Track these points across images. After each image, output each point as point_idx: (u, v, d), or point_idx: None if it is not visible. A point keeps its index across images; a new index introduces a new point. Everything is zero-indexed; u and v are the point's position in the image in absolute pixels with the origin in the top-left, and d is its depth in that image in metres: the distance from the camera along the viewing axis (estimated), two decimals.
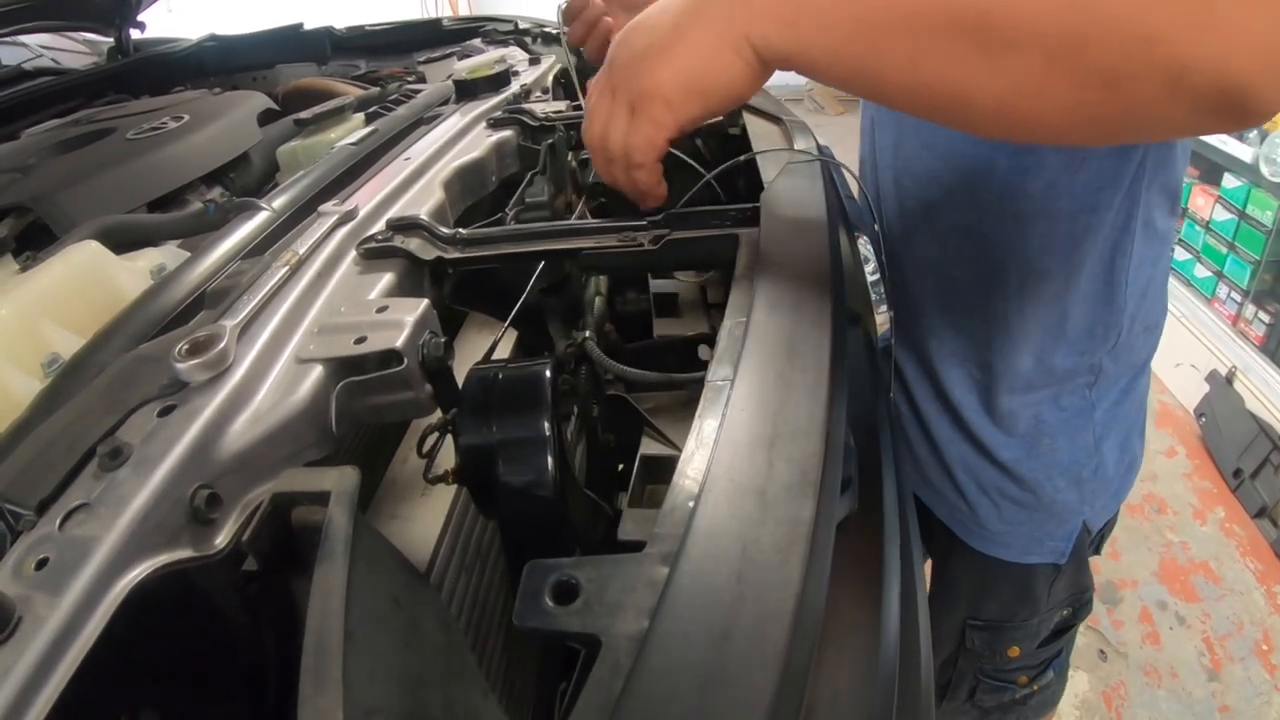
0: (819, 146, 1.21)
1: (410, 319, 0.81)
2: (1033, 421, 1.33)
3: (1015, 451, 1.35)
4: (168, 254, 1.25)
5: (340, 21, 2.83)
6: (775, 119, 1.35)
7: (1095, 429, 1.34)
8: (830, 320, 0.76)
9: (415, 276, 1.01)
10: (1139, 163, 1.12)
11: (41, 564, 0.59)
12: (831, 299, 0.80)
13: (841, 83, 0.80)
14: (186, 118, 1.75)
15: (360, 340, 0.81)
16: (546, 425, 0.78)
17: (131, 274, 1.14)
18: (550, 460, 0.77)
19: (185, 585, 0.66)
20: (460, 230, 1.05)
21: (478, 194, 1.34)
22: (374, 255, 1.00)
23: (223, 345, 0.77)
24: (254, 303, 0.85)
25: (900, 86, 0.74)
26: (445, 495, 0.98)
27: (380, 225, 1.06)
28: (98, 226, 1.24)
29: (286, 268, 0.92)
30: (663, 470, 1.00)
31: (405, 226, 1.03)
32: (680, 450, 1.00)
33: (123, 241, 1.24)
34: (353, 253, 1.01)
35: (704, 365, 1.12)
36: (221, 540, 0.68)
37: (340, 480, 0.67)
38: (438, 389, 0.83)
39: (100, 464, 0.67)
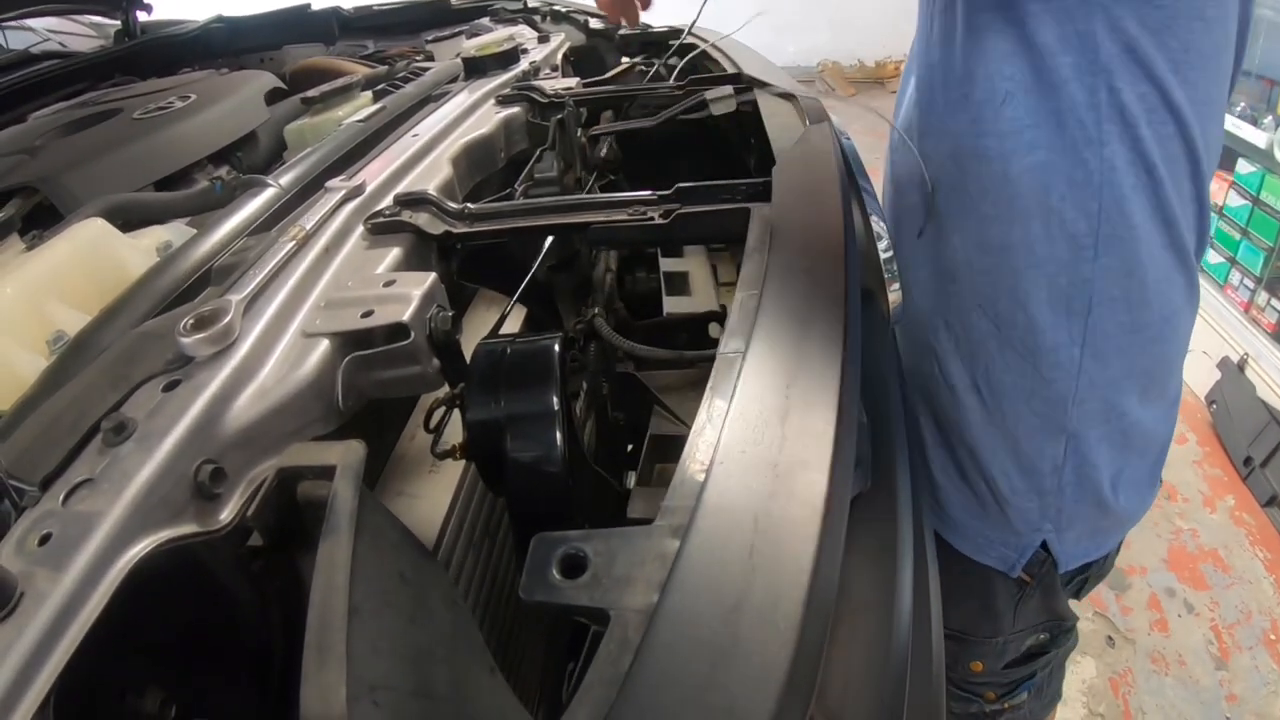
0: (831, 124, 1.19)
1: (418, 293, 0.81)
2: (999, 408, 1.29)
3: (978, 433, 1.32)
4: (174, 231, 1.24)
5: (348, 2, 2.81)
6: (788, 96, 1.34)
7: (1066, 440, 1.27)
8: (843, 295, 0.75)
9: (423, 251, 1.01)
10: (1087, 105, 1.08)
11: (44, 540, 0.59)
12: (845, 274, 0.78)
13: None
14: (193, 97, 1.74)
15: (367, 314, 0.80)
16: (555, 400, 0.77)
17: (137, 251, 1.13)
18: (559, 435, 0.76)
19: (189, 561, 0.66)
20: (468, 205, 1.04)
21: (486, 170, 1.33)
22: (381, 230, 0.99)
23: (228, 319, 0.76)
24: (260, 277, 0.85)
25: None
26: (453, 472, 0.98)
27: (388, 201, 1.05)
28: (104, 205, 1.24)
29: (293, 243, 0.92)
30: (672, 449, 0.99)
31: (413, 201, 1.02)
32: (689, 429, 1.01)
33: (129, 220, 1.23)
34: (360, 228, 1.01)
35: (715, 343, 1.12)
36: (226, 515, 0.67)
37: (346, 454, 0.67)
38: (445, 363, 0.82)
39: (104, 439, 0.67)
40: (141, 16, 2.81)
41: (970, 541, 1.40)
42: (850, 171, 1.10)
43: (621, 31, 2.14)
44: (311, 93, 1.76)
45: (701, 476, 0.55)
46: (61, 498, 0.62)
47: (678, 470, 0.57)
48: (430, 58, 2.25)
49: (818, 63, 8.34)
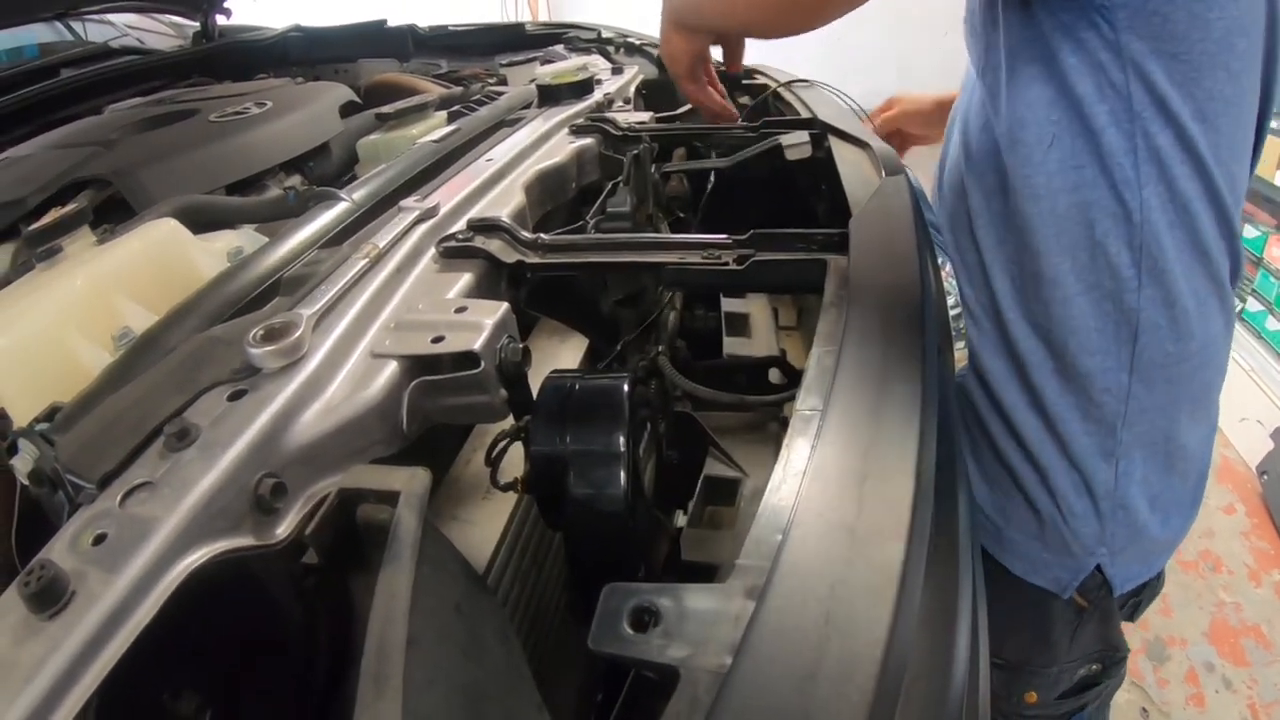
0: (908, 176, 1.19)
1: (490, 322, 0.81)
2: (1056, 429, 1.31)
3: (1039, 451, 1.34)
4: (245, 237, 1.25)
5: (421, 21, 2.84)
6: (862, 144, 1.33)
7: (1116, 463, 1.30)
8: (921, 359, 0.74)
9: (494, 279, 1.01)
10: (1125, 149, 1.14)
11: (99, 539, 0.59)
12: (923, 335, 0.77)
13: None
14: (270, 104, 1.76)
15: (437, 339, 0.80)
16: (622, 440, 0.77)
17: (208, 254, 1.14)
18: (623, 476, 0.76)
19: (242, 573, 0.65)
20: (541, 235, 1.05)
21: (557, 200, 1.34)
22: (454, 254, 1.00)
23: (298, 334, 0.76)
24: (331, 293, 0.85)
25: None
26: (507, 500, 0.97)
27: (461, 224, 1.06)
28: (177, 205, 1.24)
29: (366, 260, 0.92)
30: (725, 492, 0.99)
31: (487, 228, 1.03)
32: (744, 474, 1.00)
33: (200, 221, 1.24)
34: (432, 250, 1.01)
35: (774, 389, 1.11)
36: (283, 531, 0.67)
37: (410, 482, 0.66)
38: (512, 395, 0.82)
39: (166, 443, 0.67)
40: (220, 20, 2.84)
41: (1024, 562, 1.41)
42: (925, 226, 1.09)
43: None
44: (386, 109, 1.77)
45: (778, 537, 0.54)
46: (119, 498, 0.62)
47: (753, 528, 0.56)
48: (503, 81, 2.26)
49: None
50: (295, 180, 1.69)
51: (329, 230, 1.10)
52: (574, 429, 0.78)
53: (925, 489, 0.60)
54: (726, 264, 0.96)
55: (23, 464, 0.73)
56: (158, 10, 2.97)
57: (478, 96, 1.84)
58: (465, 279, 0.95)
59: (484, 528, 0.94)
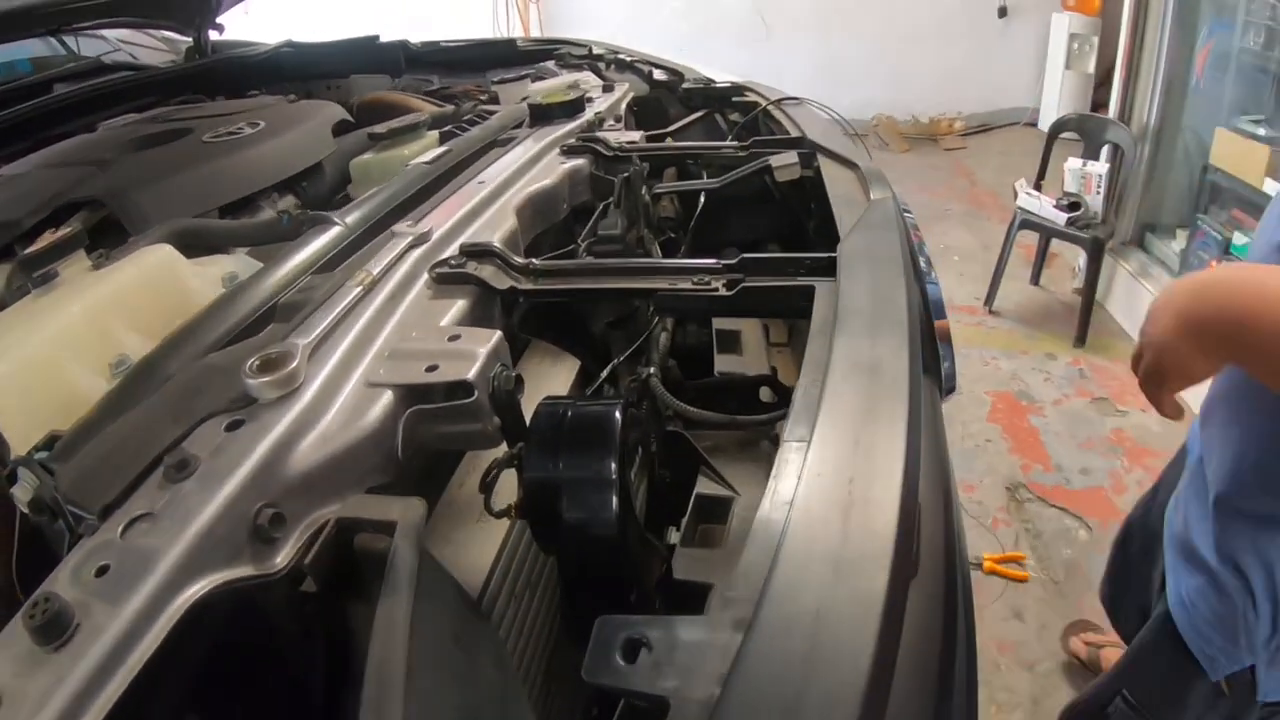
0: (895, 198, 1.20)
1: (483, 350, 0.82)
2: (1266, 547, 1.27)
3: (1243, 557, 1.30)
4: (239, 262, 1.26)
5: (412, 37, 2.84)
6: (851, 164, 1.35)
7: None
8: (907, 387, 0.75)
9: (486, 304, 1.02)
10: None
11: (102, 571, 0.59)
12: (909, 364, 0.78)
13: None
14: (263, 124, 1.76)
15: (431, 368, 0.81)
16: (614, 466, 0.78)
17: (203, 280, 1.14)
18: (615, 501, 0.77)
19: (243, 602, 0.66)
20: (534, 260, 1.05)
21: (549, 221, 1.34)
22: (446, 280, 1.00)
23: (294, 365, 0.77)
24: (326, 321, 0.86)
25: None
26: (500, 524, 0.98)
27: (453, 249, 1.06)
28: (171, 229, 1.25)
29: (360, 287, 0.93)
30: (716, 511, 0.99)
31: (479, 253, 1.04)
32: (736, 493, 1.00)
33: (195, 245, 1.24)
34: (425, 275, 1.02)
35: (765, 407, 1.12)
36: (282, 560, 0.67)
37: (407, 511, 0.67)
38: (505, 422, 0.83)
39: (166, 474, 0.68)
40: (213, 35, 2.84)
41: (1193, 629, 1.40)
42: (912, 248, 1.10)
43: (685, 85, 2.16)
44: (379, 128, 1.77)
45: (765, 569, 0.56)
46: (120, 530, 0.63)
47: (740, 560, 0.57)
48: (495, 98, 2.26)
49: (872, 116, 8.32)
50: (289, 201, 1.69)
51: (323, 255, 1.11)
52: (567, 456, 0.79)
53: (910, 520, 0.61)
54: (716, 290, 0.97)
55: (22, 492, 0.73)
56: (151, 26, 2.97)
57: (469, 116, 1.85)
58: (458, 305, 0.96)
59: (478, 552, 0.95)
